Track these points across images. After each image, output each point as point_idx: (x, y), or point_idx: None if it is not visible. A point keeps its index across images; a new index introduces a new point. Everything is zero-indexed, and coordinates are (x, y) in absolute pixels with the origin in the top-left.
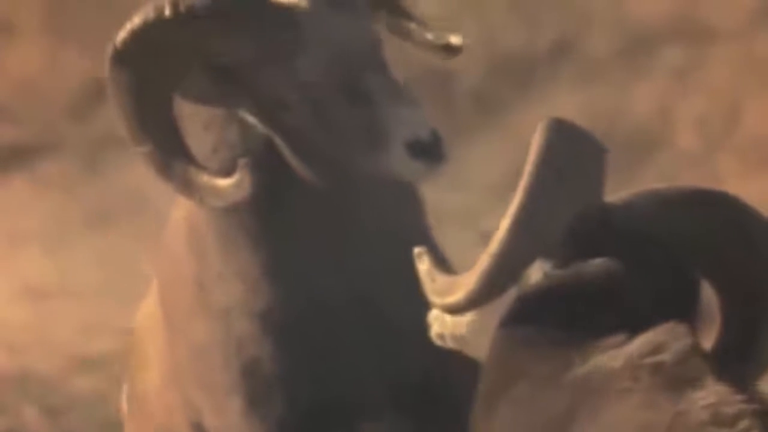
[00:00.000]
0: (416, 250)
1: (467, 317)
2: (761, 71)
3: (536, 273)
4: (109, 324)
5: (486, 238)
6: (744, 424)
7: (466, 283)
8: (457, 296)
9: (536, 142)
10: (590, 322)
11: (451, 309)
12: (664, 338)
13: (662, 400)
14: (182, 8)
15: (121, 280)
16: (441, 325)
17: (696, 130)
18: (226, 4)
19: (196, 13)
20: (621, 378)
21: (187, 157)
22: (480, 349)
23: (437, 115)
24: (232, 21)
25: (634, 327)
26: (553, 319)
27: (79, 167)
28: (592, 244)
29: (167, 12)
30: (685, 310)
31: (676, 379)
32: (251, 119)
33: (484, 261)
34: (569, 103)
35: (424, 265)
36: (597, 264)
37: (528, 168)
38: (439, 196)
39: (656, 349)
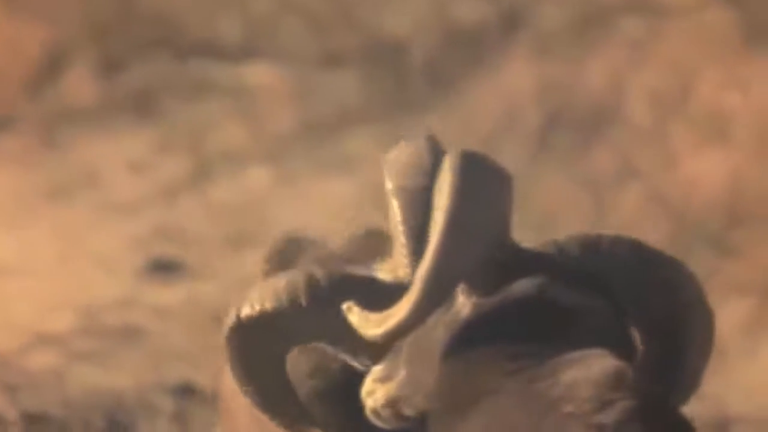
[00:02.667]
0: (344, 305)
1: (397, 377)
2: (715, 44)
3: (465, 307)
4: (67, 300)
5: None
6: None
7: (405, 302)
8: (400, 314)
9: (450, 158)
10: (540, 332)
11: (396, 330)
12: (612, 396)
13: None
14: (318, 297)
15: (79, 256)
16: (374, 399)
17: (650, 104)
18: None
19: (332, 303)
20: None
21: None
22: (415, 405)
23: (388, 88)
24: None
25: (582, 330)
26: (503, 337)
27: (35, 142)
28: (514, 271)
29: (303, 302)
30: (618, 324)
31: None
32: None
33: (423, 267)
34: (522, 75)
35: (355, 315)
36: (527, 282)
37: (449, 171)
38: None
39: (602, 406)
